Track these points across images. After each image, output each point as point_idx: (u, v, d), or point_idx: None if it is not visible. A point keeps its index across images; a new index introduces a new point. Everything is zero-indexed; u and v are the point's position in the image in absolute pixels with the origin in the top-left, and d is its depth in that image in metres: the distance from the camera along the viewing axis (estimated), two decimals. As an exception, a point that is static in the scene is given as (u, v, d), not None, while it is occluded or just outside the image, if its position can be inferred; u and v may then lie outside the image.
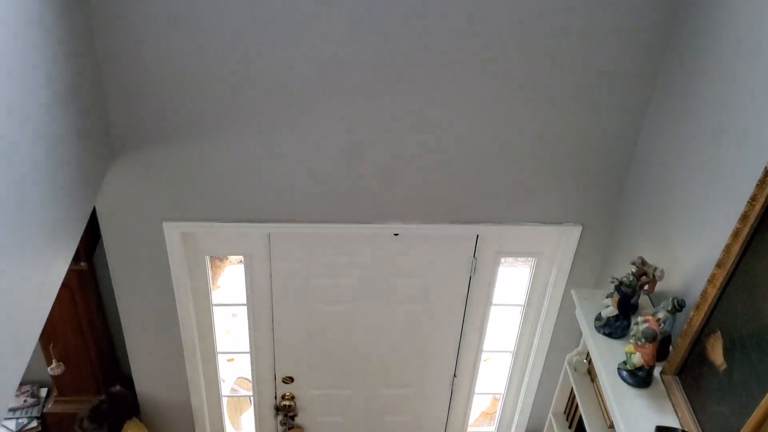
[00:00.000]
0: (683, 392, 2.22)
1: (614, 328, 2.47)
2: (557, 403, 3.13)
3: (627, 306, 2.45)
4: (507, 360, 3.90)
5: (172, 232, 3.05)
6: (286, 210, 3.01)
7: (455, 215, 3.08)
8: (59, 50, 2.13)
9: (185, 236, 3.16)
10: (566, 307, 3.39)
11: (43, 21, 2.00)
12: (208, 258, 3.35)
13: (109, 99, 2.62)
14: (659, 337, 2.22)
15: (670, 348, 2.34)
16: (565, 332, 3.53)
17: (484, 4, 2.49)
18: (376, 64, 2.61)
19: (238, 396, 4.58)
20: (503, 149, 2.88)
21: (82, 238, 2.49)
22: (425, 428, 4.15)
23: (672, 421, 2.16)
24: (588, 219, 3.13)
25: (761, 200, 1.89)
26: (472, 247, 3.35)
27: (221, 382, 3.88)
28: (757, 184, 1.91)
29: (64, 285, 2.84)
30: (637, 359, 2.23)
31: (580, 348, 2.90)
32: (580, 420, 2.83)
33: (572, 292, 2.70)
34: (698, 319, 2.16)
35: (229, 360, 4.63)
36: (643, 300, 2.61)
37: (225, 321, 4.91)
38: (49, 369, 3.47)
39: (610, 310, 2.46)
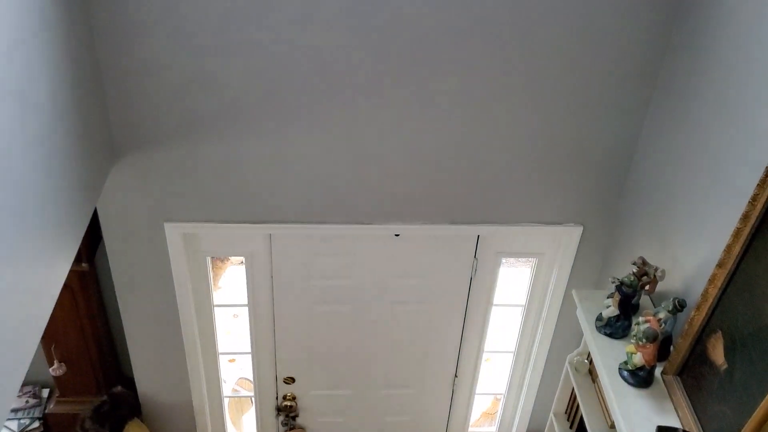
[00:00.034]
0: (684, 392, 2.22)
1: (615, 328, 2.47)
2: (558, 403, 3.14)
3: (628, 306, 2.46)
4: (508, 360, 3.90)
5: (173, 233, 3.05)
6: (287, 211, 3.01)
7: (456, 216, 3.08)
8: (60, 52, 2.14)
9: (186, 237, 3.16)
10: (567, 307, 3.39)
11: (44, 23, 2.01)
12: (209, 259, 3.35)
13: (110, 100, 2.63)
14: (660, 337, 2.22)
15: (671, 348, 2.34)
16: (566, 332, 3.53)
17: (484, 5, 2.49)
18: (376, 65, 2.61)
19: (240, 396, 4.59)
20: (504, 150, 2.88)
21: (83, 239, 2.49)
22: (426, 428, 4.15)
23: (673, 421, 2.16)
24: (588, 219, 3.13)
25: (762, 200, 1.89)
26: (472, 247, 3.35)
27: (222, 383, 3.88)
28: (758, 184, 1.91)
29: (66, 286, 2.85)
30: (638, 359, 2.24)
31: (581, 348, 2.90)
32: (581, 420, 2.83)
33: (573, 292, 2.71)
34: (699, 319, 2.16)
35: (230, 360, 4.64)
36: (644, 300, 2.62)
37: (226, 322, 4.91)
38: (50, 370, 3.48)
39: (611, 310, 2.46)
